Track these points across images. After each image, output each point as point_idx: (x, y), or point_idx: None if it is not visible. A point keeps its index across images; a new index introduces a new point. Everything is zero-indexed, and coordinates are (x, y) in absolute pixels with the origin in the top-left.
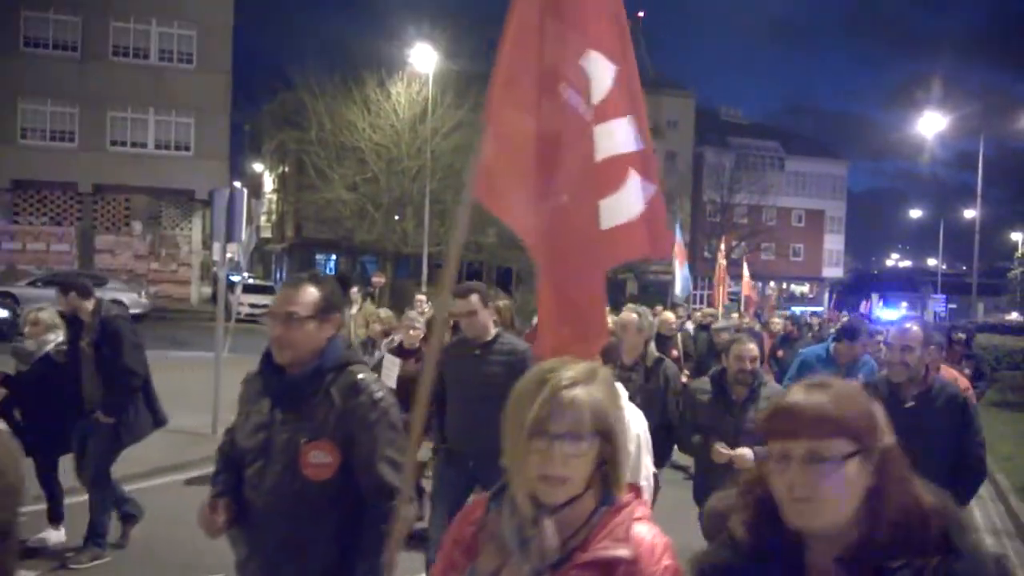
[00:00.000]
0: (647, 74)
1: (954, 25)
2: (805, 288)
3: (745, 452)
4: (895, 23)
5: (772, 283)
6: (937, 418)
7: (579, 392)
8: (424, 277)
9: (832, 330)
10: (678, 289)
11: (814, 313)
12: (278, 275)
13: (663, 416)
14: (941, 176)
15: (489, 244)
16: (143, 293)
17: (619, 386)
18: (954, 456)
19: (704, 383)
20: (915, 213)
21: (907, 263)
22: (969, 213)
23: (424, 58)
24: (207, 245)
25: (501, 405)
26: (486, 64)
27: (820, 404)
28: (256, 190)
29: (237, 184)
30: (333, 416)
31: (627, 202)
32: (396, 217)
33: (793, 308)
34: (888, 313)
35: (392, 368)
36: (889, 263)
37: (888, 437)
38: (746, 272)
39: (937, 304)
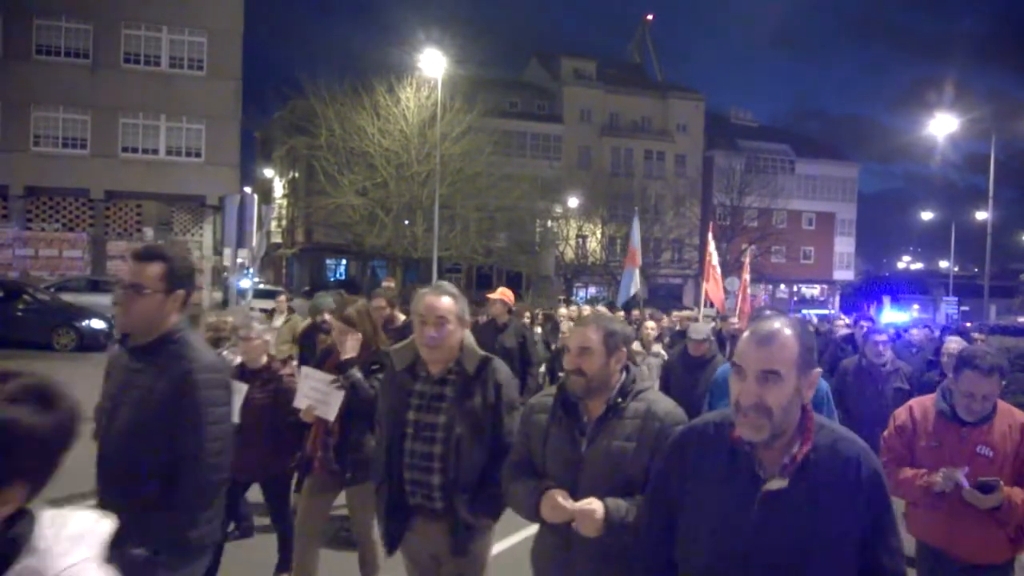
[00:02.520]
0: (656, 78)
1: (960, 30)
2: (816, 291)
3: (593, 507)
4: (901, 28)
5: (782, 285)
6: (823, 509)
7: None
8: (434, 282)
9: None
10: (621, 294)
11: (822, 317)
12: (289, 280)
13: (497, 444)
14: (951, 178)
15: (499, 248)
16: None
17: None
18: None
19: (547, 395)
20: (926, 215)
21: (919, 265)
22: (980, 215)
23: (433, 63)
24: (218, 250)
25: (144, 437)
26: (494, 70)
27: None
28: (266, 196)
29: (248, 190)
30: None
31: None
32: (406, 222)
33: (804, 311)
34: (898, 316)
35: (235, 397)
36: (900, 265)
37: None
38: (746, 275)
39: (949, 306)
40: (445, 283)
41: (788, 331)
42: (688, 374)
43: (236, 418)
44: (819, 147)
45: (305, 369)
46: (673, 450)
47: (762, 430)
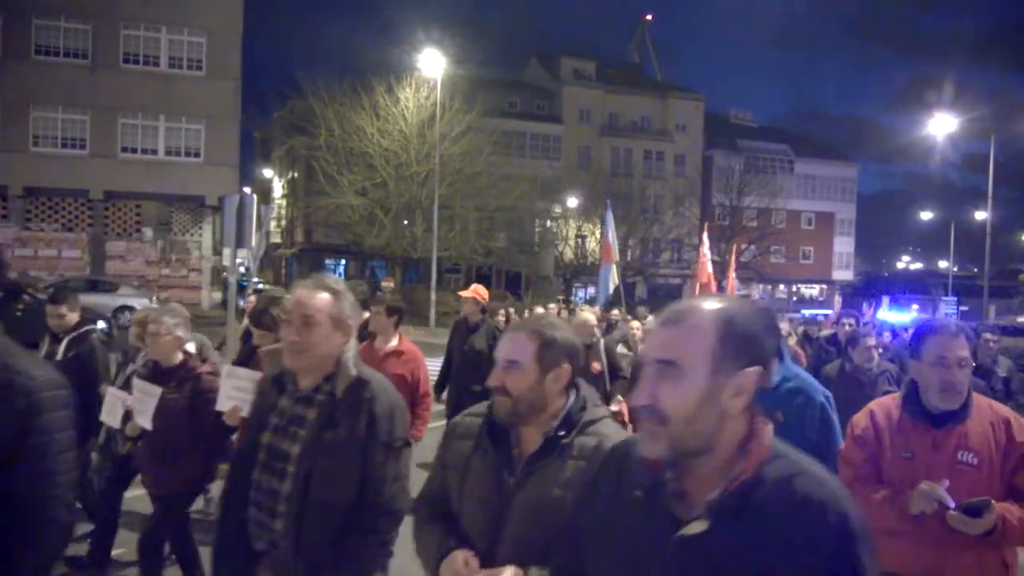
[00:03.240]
0: (656, 78)
1: (958, 30)
2: (815, 291)
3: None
4: (901, 28)
5: (781, 285)
6: (757, 572)
7: None
8: (433, 282)
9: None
10: (600, 293)
11: (807, 318)
12: (289, 280)
13: (367, 492)
14: (951, 178)
15: (499, 249)
16: (154, 299)
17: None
18: None
19: (475, 414)
20: (925, 215)
21: (918, 265)
22: (979, 215)
23: (432, 63)
24: (217, 251)
25: None
26: (494, 70)
27: None
28: (266, 196)
29: (247, 190)
30: None
31: None
32: (405, 222)
33: (803, 311)
34: (899, 315)
35: (148, 401)
36: (900, 265)
37: None
38: (732, 272)
39: (949, 306)
40: (330, 277)
41: (709, 312)
42: None
43: (149, 424)
44: (818, 147)
45: (227, 367)
46: (598, 472)
47: (655, 442)
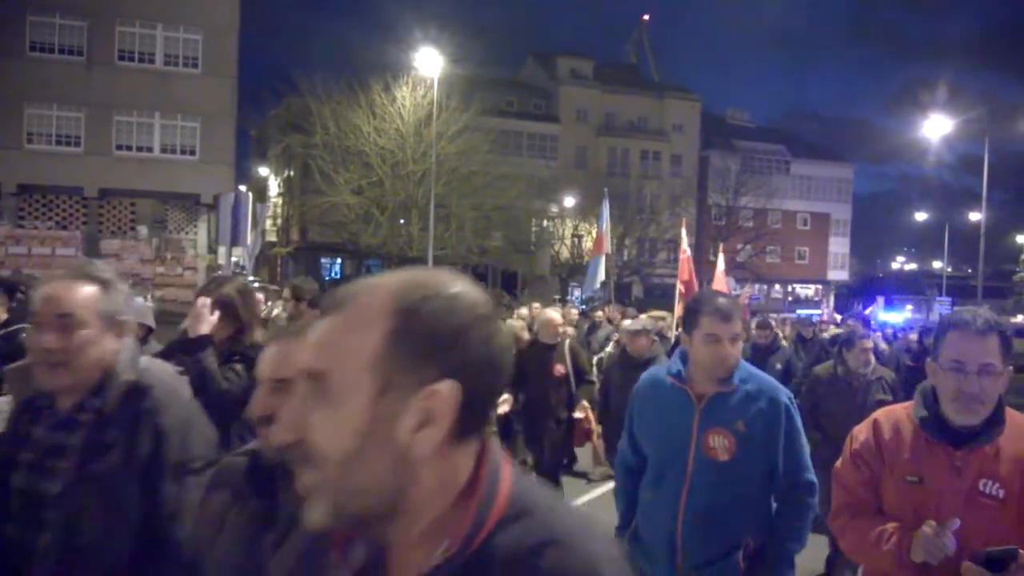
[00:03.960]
0: (653, 78)
1: (953, 32)
2: (810, 291)
3: None
4: (895, 30)
5: (777, 286)
6: None
7: None
8: None
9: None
10: (587, 284)
11: (802, 317)
12: (284, 279)
13: (156, 535)
14: (945, 179)
15: (495, 248)
16: (149, 297)
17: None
18: None
19: (243, 454)
20: (920, 216)
21: (913, 266)
22: (974, 216)
23: (429, 62)
24: (213, 249)
25: None
26: (491, 69)
27: None
28: (261, 194)
29: (243, 188)
30: None
31: None
32: (401, 221)
33: (798, 311)
34: (891, 316)
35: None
36: (895, 266)
37: None
38: (720, 269)
39: (943, 307)
40: (96, 263)
41: (380, 295)
42: (626, 378)
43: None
44: (814, 148)
45: None
46: (305, 545)
47: (316, 500)
